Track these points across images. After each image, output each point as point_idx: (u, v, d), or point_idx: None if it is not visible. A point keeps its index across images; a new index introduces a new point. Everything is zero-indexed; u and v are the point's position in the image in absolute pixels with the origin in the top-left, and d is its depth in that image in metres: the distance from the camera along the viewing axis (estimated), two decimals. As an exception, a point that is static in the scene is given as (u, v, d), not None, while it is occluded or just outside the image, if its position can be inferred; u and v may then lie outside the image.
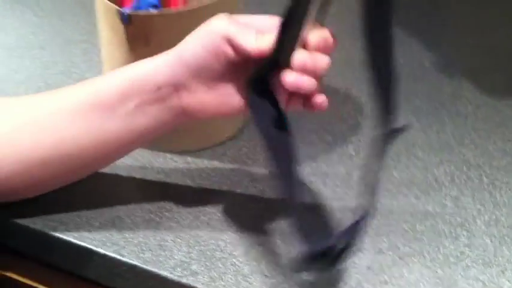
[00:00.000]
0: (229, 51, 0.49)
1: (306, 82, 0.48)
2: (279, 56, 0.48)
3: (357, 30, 0.48)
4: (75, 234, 0.57)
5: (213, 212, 0.60)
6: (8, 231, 0.59)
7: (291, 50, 0.48)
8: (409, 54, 0.83)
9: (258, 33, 0.49)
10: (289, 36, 0.47)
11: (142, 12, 0.60)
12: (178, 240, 0.56)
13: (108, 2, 0.60)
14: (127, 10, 0.58)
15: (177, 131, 0.64)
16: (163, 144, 0.66)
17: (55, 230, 0.57)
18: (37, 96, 0.55)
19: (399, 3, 0.51)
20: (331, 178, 0.64)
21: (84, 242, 0.56)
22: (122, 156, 0.58)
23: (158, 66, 0.51)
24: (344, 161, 0.66)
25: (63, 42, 0.86)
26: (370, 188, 0.50)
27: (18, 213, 0.58)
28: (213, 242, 0.56)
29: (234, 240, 0.56)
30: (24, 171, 0.51)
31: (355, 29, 0.49)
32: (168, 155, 0.66)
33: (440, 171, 0.65)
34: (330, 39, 0.49)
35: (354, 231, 0.49)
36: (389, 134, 0.51)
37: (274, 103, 0.50)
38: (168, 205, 0.60)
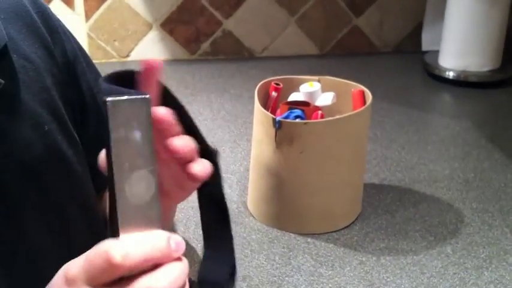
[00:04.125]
0: None
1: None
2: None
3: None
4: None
5: (325, 282, 0.72)
6: None
7: None
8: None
9: None
10: None
11: (290, 120, 0.77)
12: (295, 300, 0.69)
13: (266, 111, 0.78)
14: (279, 118, 0.76)
15: (302, 216, 0.79)
16: (290, 226, 0.80)
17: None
18: None
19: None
20: (429, 269, 0.74)
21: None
22: None
23: None
24: (442, 258, 0.77)
25: (215, 140, 1.05)
26: None
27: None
28: (323, 305, 0.68)
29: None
30: None
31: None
32: (293, 235, 0.80)
33: (529, 276, 0.73)
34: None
35: None
36: None
37: None
38: (290, 273, 0.74)
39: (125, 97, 0.37)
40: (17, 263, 0.51)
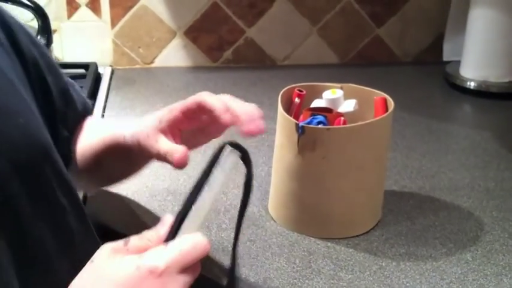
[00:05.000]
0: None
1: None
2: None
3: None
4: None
5: (345, 286, 0.73)
6: None
7: None
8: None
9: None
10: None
11: (313, 126, 0.79)
12: (315, 303, 0.70)
13: (289, 116, 0.80)
14: (302, 124, 0.77)
15: (322, 221, 0.80)
16: (310, 230, 0.81)
17: (219, 279, 0.74)
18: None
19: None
20: (448, 275, 0.75)
21: (241, 293, 0.72)
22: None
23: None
24: (461, 265, 0.77)
25: (237, 145, 1.07)
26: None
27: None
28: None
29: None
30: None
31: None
32: (313, 239, 0.81)
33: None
34: None
35: None
36: None
37: None
38: (310, 275, 0.75)
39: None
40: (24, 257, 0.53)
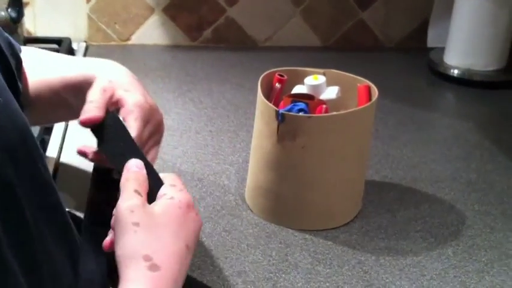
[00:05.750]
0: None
1: None
2: None
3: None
4: (208, 278, 0.70)
5: (322, 281, 0.70)
6: None
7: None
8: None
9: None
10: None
11: (293, 114, 0.75)
12: (291, 298, 0.67)
13: (269, 103, 0.76)
14: (282, 111, 0.74)
15: (301, 212, 0.77)
16: (288, 221, 0.79)
17: (192, 272, 0.70)
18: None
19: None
20: (429, 271, 0.73)
21: (215, 287, 0.69)
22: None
23: None
24: (442, 260, 0.75)
25: (214, 130, 1.03)
26: None
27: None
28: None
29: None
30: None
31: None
32: (290, 230, 0.78)
33: (530, 282, 0.72)
34: None
35: None
36: None
37: None
38: (286, 269, 0.72)
39: None
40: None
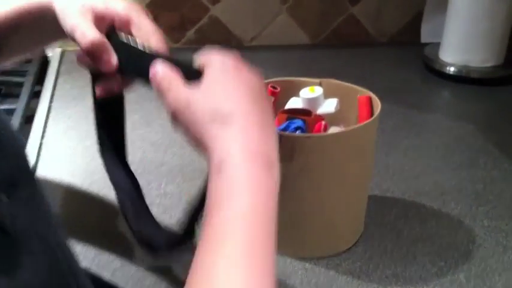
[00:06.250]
0: None
1: None
2: None
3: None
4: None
5: (327, 319, 0.64)
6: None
7: None
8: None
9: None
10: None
11: (290, 134, 0.69)
12: None
13: (257, 118, 0.69)
14: (277, 130, 0.67)
15: (300, 239, 0.70)
16: (287, 249, 0.72)
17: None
18: None
19: None
20: (441, 302, 0.67)
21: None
22: None
23: None
24: (454, 288, 0.69)
25: (201, 142, 0.96)
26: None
27: None
28: None
29: None
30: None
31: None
32: (289, 259, 0.72)
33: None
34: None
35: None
36: None
37: None
38: (286, 306, 0.65)
39: None
40: None
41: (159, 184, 0.86)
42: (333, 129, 0.74)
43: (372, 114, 0.74)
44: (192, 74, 0.53)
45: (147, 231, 0.60)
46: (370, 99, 0.75)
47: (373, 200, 0.83)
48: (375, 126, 0.71)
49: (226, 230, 0.44)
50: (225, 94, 0.50)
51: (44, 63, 1.20)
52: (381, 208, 0.82)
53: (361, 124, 0.69)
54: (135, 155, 0.93)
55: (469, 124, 1.07)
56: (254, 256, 0.44)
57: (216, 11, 1.31)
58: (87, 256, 0.71)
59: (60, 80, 1.16)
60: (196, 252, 0.44)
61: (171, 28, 1.31)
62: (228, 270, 0.42)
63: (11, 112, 0.99)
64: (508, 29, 1.23)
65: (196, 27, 1.32)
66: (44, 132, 0.98)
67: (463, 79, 1.24)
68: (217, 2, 1.30)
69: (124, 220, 0.61)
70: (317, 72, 0.85)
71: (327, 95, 0.76)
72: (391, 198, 0.85)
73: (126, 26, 0.58)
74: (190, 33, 1.32)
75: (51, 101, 1.07)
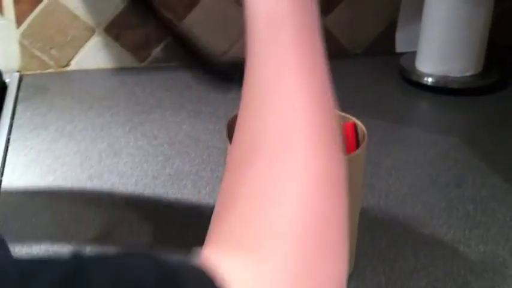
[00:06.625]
0: None
1: None
2: None
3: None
4: None
5: None
6: None
7: None
8: None
9: None
10: None
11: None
12: None
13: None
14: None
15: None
16: None
17: None
18: None
19: None
20: None
21: None
22: None
23: None
24: (455, 325, 0.64)
25: (174, 172, 0.90)
26: None
27: None
28: None
29: None
30: None
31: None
32: None
33: None
34: None
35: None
36: None
37: None
38: None
39: None
40: None
41: (131, 222, 0.79)
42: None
43: (357, 141, 0.68)
44: None
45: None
46: (355, 126, 0.70)
47: (361, 227, 0.78)
48: (363, 156, 0.66)
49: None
50: None
51: (2, 89, 1.12)
52: (370, 237, 0.77)
53: (349, 155, 0.64)
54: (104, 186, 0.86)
55: (453, 137, 1.03)
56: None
57: (182, 28, 1.25)
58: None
59: (19, 108, 1.09)
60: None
61: (135, 47, 1.24)
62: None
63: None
64: (486, 36, 1.19)
65: (162, 45, 1.25)
66: (3, 168, 0.91)
67: (442, 90, 1.20)
68: (184, 18, 1.24)
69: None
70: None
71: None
72: (380, 224, 0.80)
73: None
74: (156, 52, 1.26)
75: (9, 133, 0.99)
